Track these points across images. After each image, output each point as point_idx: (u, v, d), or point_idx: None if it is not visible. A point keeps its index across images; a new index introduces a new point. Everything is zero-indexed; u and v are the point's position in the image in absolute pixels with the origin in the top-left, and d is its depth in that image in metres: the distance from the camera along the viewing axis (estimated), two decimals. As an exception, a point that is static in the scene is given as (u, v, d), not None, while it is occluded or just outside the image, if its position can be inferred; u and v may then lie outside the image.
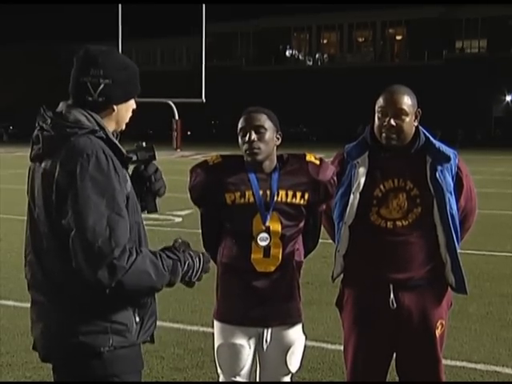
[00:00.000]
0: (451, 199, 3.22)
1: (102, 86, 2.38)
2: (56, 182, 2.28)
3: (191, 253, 2.47)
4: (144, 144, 2.65)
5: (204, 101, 37.95)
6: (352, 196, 3.27)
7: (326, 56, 74.97)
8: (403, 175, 3.23)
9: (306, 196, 3.07)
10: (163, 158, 22.05)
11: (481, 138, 57.47)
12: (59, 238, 2.30)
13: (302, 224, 3.13)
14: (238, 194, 3.04)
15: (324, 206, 3.24)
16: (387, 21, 71.31)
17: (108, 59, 2.41)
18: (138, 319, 2.44)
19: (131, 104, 2.52)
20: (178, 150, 38.30)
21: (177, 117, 40.59)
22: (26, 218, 2.48)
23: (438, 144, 3.26)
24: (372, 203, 3.25)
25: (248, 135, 3.01)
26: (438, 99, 55.17)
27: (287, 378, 3.24)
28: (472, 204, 3.40)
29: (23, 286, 2.66)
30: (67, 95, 2.45)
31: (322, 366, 4.92)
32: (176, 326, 5.84)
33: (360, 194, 3.25)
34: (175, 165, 22.42)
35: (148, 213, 2.68)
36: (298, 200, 3.07)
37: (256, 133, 3.01)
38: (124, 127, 2.55)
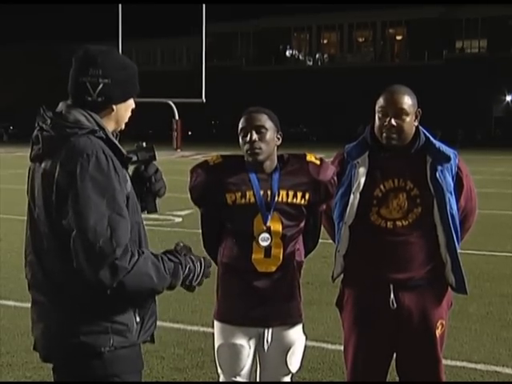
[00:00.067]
0: (451, 199, 3.22)
1: (101, 85, 2.38)
2: (56, 183, 2.28)
3: (192, 257, 2.47)
4: (144, 144, 2.65)
5: (204, 101, 37.95)
6: (352, 196, 3.27)
7: (326, 56, 74.96)
8: (403, 175, 3.23)
9: (307, 196, 3.07)
10: (163, 158, 22.05)
11: (481, 137, 57.49)
12: (59, 238, 2.30)
13: (302, 224, 3.13)
14: (238, 195, 3.04)
15: (324, 206, 3.25)
16: (387, 21, 71.30)
17: (107, 59, 2.41)
18: (138, 319, 2.44)
19: (130, 104, 2.52)
20: (178, 150, 38.30)
21: (177, 117, 40.59)
22: (26, 218, 2.48)
23: (438, 144, 3.26)
24: (372, 203, 3.25)
25: (249, 135, 3.01)
26: (438, 99, 55.17)
27: (287, 378, 3.24)
28: (472, 204, 3.40)
29: (23, 286, 2.66)
30: (67, 95, 2.45)
31: (322, 366, 4.92)
32: (176, 326, 5.84)
33: (360, 193, 3.25)
34: (175, 165, 22.43)
35: (148, 213, 2.68)
36: (298, 200, 3.07)
37: (257, 133, 3.01)
38: (123, 127, 2.55)
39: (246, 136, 3.02)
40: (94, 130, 2.36)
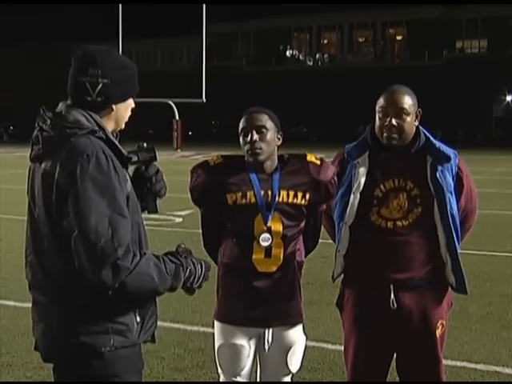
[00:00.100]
0: (451, 199, 3.22)
1: (100, 85, 2.38)
2: (56, 183, 2.28)
3: (193, 259, 2.47)
4: (145, 145, 2.65)
5: (204, 101, 37.96)
6: (352, 196, 3.27)
7: (326, 56, 74.97)
8: (403, 175, 3.23)
9: (307, 196, 3.07)
10: (163, 158, 22.05)
11: (481, 138, 57.49)
12: (60, 238, 2.30)
13: (303, 224, 3.13)
14: (239, 195, 3.04)
15: (324, 206, 3.25)
16: (387, 21, 71.31)
17: (106, 59, 2.41)
18: (138, 319, 2.44)
19: (130, 103, 2.52)
20: (179, 150, 38.30)
21: (177, 117, 40.60)
22: (26, 218, 2.48)
23: (438, 144, 3.26)
24: (372, 203, 3.25)
25: (249, 135, 3.01)
26: (439, 99, 55.17)
27: (288, 378, 3.24)
28: (472, 204, 3.40)
29: (23, 286, 2.67)
30: (67, 95, 2.45)
31: (323, 366, 4.92)
32: (176, 326, 5.85)
33: (360, 193, 3.25)
34: (175, 165, 22.43)
35: (148, 213, 2.68)
36: (299, 200, 3.07)
37: (257, 133, 3.01)
38: (123, 126, 2.55)
39: (247, 136, 3.02)
40: (93, 130, 2.36)
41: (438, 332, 3.29)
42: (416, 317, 3.24)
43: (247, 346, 3.13)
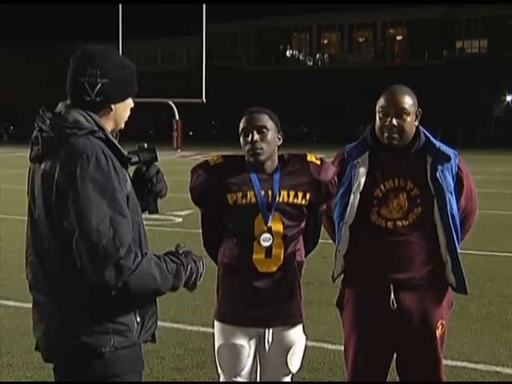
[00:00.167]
0: (451, 199, 3.22)
1: (99, 85, 2.38)
2: (56, 183, 2.28)
3: (194, 257, 2.48)
4: (146, 145, 2.64)
5: (204, 101, 37.95)
6: (352, 196, 3.27)
7: (326, 56, 74.94)
8: (403, 175, 3.23)
9: (308, 196, 3.07)
10: (164, 158, 22.03)
11: (481, 138, 57.49)
12: (60, 238, 2.30)
13: (303, 224, 3.14)
14: (239, 195, 3.04)
15: (324, 206, 3.25)
16: (387, 21, 71.28)
17: (105, 59, 2.41)
18: (139, 319, 2.44)
19: (129, 103, 2.52)
20: (179, 151, 38.29)
21: (177, 117, 40.60)
22: (26, 218, 2.48)
23: (438, 144, 3.26)
24: (372, 203, 3.25)
25: (250, 135, 3.01)
26: (439, 99, 55.17)
27: (288, 379, 3.24)
28: (472, 204, 3.40)
29: (24, 286, 2.67)
30: (67, 95, 2.45)
31: (323, 366, 4.92)
32: (176, 326, 5.85)
33: (360, 193, 3.25)
34: (175, 165, 22.42)
35: (149, 214, 2.68)
36: (299, 200, 3.07)
37: (258, 133, 3.01)
38: (123, 126, 2.55)
39: (248, 136, 3.02)
40: (93, 131, 2.36)
41: (438, 332, 3.29)
42: (416, 317, 3.24)
43: (247, 346, 3.13)
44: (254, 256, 3.06)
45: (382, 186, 3.24)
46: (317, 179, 3.07)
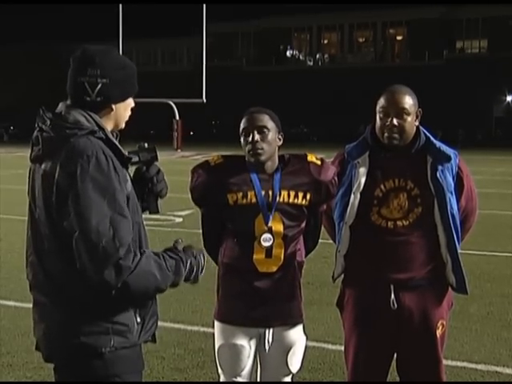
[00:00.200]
0: (452, 199, 3.22)
1: (99, 85, 2.38)
2: (56, 184, 2.28)
3: (194, 251, 2.48)
4: (146, 145, 2.64)
5: (205, 101, 37.94)
6: (352, 196, 3.27)
7: (326, 56, 74.95)
8: (404, 175, 3.23)
9: (308, 196, 3.07)
10: (164, 158, 22.03)
11: (481, 138, 57.50)
12: (60, 239, 2.30)
13: (303, 224, 3.13)
14: (240, 195, 3.04)
15: (325, 206, 3.25)
16: (388, 21, 71.28)
17: (105, 59, 2.41)
18: (139, 319, 2.44)
19: (129, 103, 2.52)
20: (179, 151, 38.29)
21: (177, 117, 40.60)
22: (26, 218, 2.48)
23: (438, 144, 3.26)
24: (373, 203, 3.25)
25: (251, 136, 3.01)
26: (439, 99, 55.16)
27: (288, 379, 3.24)
28: (473, 204, 3.40)
29: (24, 286, 2.67)
30: (67, 95, 2.45)
31: (323, 366, 4.92)
32: (177, 326, 5.85)
33: (361, 193, 3.25)
34: (176, 165, 22.42)
35: (150, 214, 2.68)
36: (300, 200, 3.07)
37: (259, 133, 3.00)
38: (123, 126, 2.55)
39: (248, 136, 3.02)
40: (93, 131, 2.36)
41: (439, 332, 3.29)
42: (416, 317, 3.24)
43: (247, 347, 3.13)
44: (255, 256, 3.06)
45: (382, 186, 3.24)
46: (317, 179, 3.07)
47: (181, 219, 11.91)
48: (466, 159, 3.69)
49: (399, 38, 73.58)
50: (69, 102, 2.44)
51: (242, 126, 3.06)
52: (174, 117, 40.77)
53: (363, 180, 3.26)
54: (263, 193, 3.04)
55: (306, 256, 3.27)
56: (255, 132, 3.00)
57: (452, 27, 68.31)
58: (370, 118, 3.33)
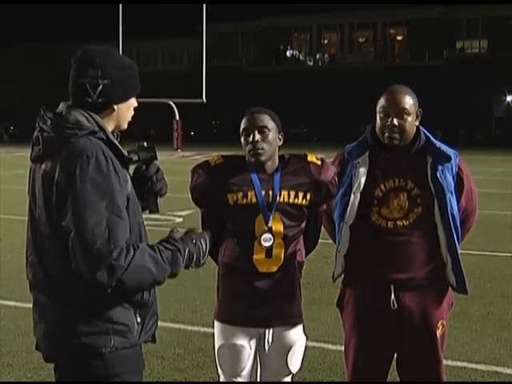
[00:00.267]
0: (452, 199, 3.22)
1: (100, 86, 2.38)
2: (56, 184, 2.28)
3: (193, 237, 2.48)
4: (145, 144, 2.65)
5: (205, 101, 37.93)
6: (353, 196, 3.26)
7: (326, 56, 74.96)
8: (404, 175, 3.23)
9: (308, 196, 3.07)
10: (164, 158, 22.04)
11: (481, 138, 57.49)
12: (60, 239, 2.30)
13: (303, 224, 3.13)
14: (240, 195, 3.04)
15: (325, 206, 3.25)
16: (388, 21, 71.30)
17: (106, 59, 2.41)
18: (139, 320, 2.44)
19: (132, 103, 2.52)
20: (179, 151, 38.28)
21: (177, 117, 40.59)
22: (26, 218, 2.49)
23: (438, 144, 3.26)
24: (373, 203, 3.25)
25: (251, 136, 3.00)
26: (439, 99, 55.16)
27: (288, 379, 3.23)
28: (473, 204, 3.40)
29: (24, 286, 2.67)
30: (68, 95, 2.45)
31: (323, 366, 4.92)
32: (177, 326, 5.84)
33: (361, 193, 3.25)
34: (176, 165, 22.41)
35: (150, 213, 2.68)
36: (300, 200, 3.06)
37: (259, 133, 3.00)
38: (126, 127, 2.55)
39: (249, 136, 3.02)
40: (94, 131, 2.36)
41: (439, 332, 3.29)
42: (416, 317, 3.24)
43: (247, 347, 3.13)
44: (255, 256, 3.06)
45: (382, 186, 3.24)
46: (317, 179, 3.07)
47: (181, 219, 11.90)
48: (466, 159, 3.69)
49: (399, 38, 73.60)
50: (70, 102, 2.44)
51: (242, 125, 3.06)
52: (174, 117, 40.76)
53: (363, 180, 3.26)
54: (263, 193, 3.04)
55: (306, 256, 3.27)
56: (256, 132, 3.00)
57: (452, 27, 68.32)
58: (370, 118, 3.33)
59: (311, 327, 5.25)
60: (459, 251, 3.28)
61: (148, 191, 2.65)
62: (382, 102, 3.19)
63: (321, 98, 65.38)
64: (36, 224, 2.40)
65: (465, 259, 3.31)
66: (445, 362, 3.42)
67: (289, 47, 75.69)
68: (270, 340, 3.13)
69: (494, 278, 7.67)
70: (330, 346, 5.29)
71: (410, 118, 3.17)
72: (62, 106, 2.44)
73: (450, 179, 3.23)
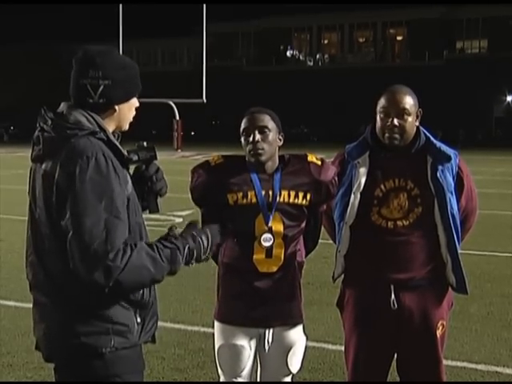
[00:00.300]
0: (452, 199, 3.22)
1: (101, 87, 2.38)
2: (56, 184, 2.28)
3: (194, 233, 2.47)
4: (145, 144, 2.64)
5: (205, 101, 37.93)
6: (353, 196, 3.26)
7: (326, 56, 74.94)
8: (404, 175, 3.23)
9: (308, 196, 3.07)
10: (164, 158, 22.03)
11: (482, 138, 57.50)
12: (60, 239, 2.29)
13: (303, 224, 3.13)
14: (240, 195, 3.04)
15: (325, 207, 3.25)
16: (388, 21, 71.27)
17: (106, 60, 2.40)
18: (139, 320, 2.44)
19: (133, 103, 2.51)
20: (179, 151, 38.28)
21: (177, 117, 40.58)
22: (26, 218, 2.49)
23: (438, 144, 3.26)
24: (373, 203, 3.25)
25: (252, 136, 3.00)
26: (439, 99, 55.15)
27: (288, 379, 3.23)
28: (473, 204, 3.40)
29: (24, 286, 2.66)
30: (68, 95, 2.45)
31: (323, 366, 4.92)
32: (177, 326, 5.84)
33: (361, 193, 3.25)
34: (176, 165, 22.41)
35: (150, 213, 2.68)
36: (300, 200, 3.06)
37: (260, 133, 3.00)
38: (127, 127, 2.55)
39: (249, 136, 3.01)
40: (94, 132, 2.36)
41: (439, 332, 3.29)
42: (416, 317, 3.24)
43: (247, 347, 3.13)
44: (255, 256, 3.06)
45: (382, 186, 3.24)
46: (317, 179, 3.07)
47: (181, 219, 11.90)
48: (466, 159, 3.69)
49: (399, 38, 73.57)
50: (71, 102, 2.43)
51: (242, 125, 3.05)
52: (174, 117, 40.76)
53: (363, 180, 3.26)
54: (263, 193, 3.04)
55: (306, 256, 3.27)
56: (256, 132, 3.00)
57: (452, 27, 68.30)
58: (370, 118, 3.33)
59: (311, 327, 5.25)
60: (459, 251, 3.29)
61: (148, 191, 2.65)
62: (382, 102, 3.19)
63: (321, 98, 65.37)
64: (36, 224, 2.40)
65: (465, 259, 3.31)
66: (445, 362, 3.42)
67: (289, 47, 75.68)
68: (270, 340, 3.13)
69: (494, 278, 7.67)
70: (330, 346, 5.29)
71: (410, 118, 3.17)
72: (62, 106, 2.44)
73: (450, 179, 3.23)
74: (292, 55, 75.98)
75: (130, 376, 2.43)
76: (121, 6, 38.01)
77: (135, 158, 2.58)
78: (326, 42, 76.07)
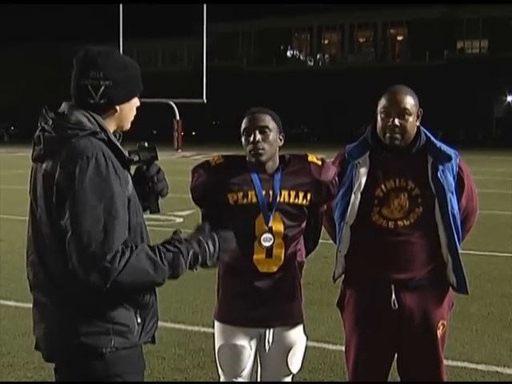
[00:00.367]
0: (452, 199, 3.22)
1: (102, 87, 2.38)
2: (56, 184, 2.28)
3: (200, 238, 2.46)
4: (146, 144, 2.64)
5: (205, 101, 37.93)
6: (353, 196, 3.26)
7: (327, 56, 74.95)
8: (404, 175, 3.23)
9: (309, 196, 3.07)
10: (164, 158, 22.02)
11: (482, 138, 57.52)
12: (61, 238, 2.29)
13: (304, 224, 3.13)
14: (240, 195, 3.04)
15: (325, 207, 3.25)
16: (388, 21, 71.25)
17: (107, 60, 2.40)
18: (139, 320, 2.44)
19: (134, 103, 2.51)
20: (179, 151, 38.28)
21: (178, 117, 40.59)
22: (27, 218, 2.49)
23: (438, 144, 3.26)
24: (373, 203, 3.25)
25: (252, 136, 3.00)
26: (439, 99, 55.16)
27: (288, 379, 3.23)
28: (473, 204, 3.40)
29: (24, 286, 2.66)
30: (68, 95, 2.45)
31: (323, 366, 4.92)
32: (177, 326, 5.84)
33: (361, 193, 3.25)
34: (176, 165, 22.41)
35: (150, 213, 2.68)
36: (300, 200, 3.06)
37: (260, 133, 3.00)
38: (128, 127, 2.54)
39: (250, 136, 3.01)
40: (95, 132, 2.35)
41: (439, 332, 3.29)
42: (417, 317, 3.24)
43: (248, 347, 3.13)
44: (255, 256, 3.06)
45: (382, 186, 3.24)
46: (318, 179, 3.07)
47: (181, 219, 11.90)
48: (467, 159, 3.69)
49: (400, 38, 73.56)
50: (72, 102, 2.43)
51: (243, 125, 3.05)
52: (175, 117, 40.76)
53: (364, 180, 3.26)
54: (264, 193, 3.04)
55: (306, 256, 3.27)
56: (257, 132, 3.00)
57: (452, 27, 68.28)
58: (371, 118, 3.33)
59: (311, 327, 5.25)
60: (460, 251, 3.28)
61: (149, 191, 2.64)
62: (383, 102, 3.19)
63: (321, 98, 65.38)
64: (37, 224, 2.40)
65: (465, 259, 3.31)
66: (445, 362, 3.42)
67: (289, 47, 75.68)
68: (271, 340, 3.13)
69: (495, 278, 7.67)
70: (330, 347, 5.29)
71: (411, 118, 3.17)
72: (64, 106, 2.44)
73: (451, 179, 3.23)
74: (292, 55, 76.00)
75: (130, 376, 2.43)
76: (121, 5, 38.03)
77: (136, 158, 2.58)
78: (326, 42, 76.06)
